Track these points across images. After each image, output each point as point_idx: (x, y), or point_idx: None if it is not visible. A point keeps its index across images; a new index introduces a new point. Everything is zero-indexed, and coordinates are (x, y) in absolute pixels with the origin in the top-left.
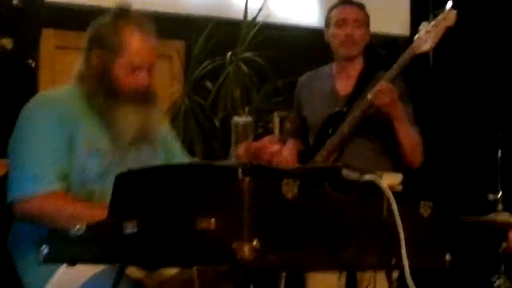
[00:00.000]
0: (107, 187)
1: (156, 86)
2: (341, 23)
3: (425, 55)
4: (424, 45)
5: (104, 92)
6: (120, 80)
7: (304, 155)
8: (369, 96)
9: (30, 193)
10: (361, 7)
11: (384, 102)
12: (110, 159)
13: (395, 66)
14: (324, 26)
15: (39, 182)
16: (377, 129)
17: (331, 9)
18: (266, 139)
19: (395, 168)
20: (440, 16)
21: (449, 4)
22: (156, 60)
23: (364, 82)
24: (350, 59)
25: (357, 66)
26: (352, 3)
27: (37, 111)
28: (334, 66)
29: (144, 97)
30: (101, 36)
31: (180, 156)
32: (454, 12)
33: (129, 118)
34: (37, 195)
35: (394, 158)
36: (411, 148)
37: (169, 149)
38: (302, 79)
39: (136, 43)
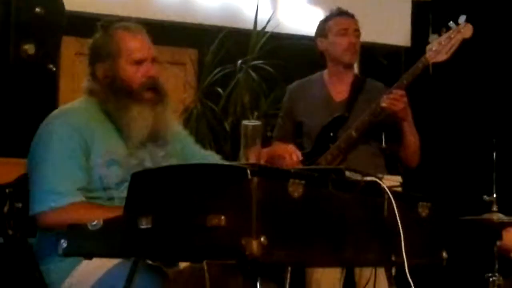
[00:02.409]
0: (125, 193)
1: (165, 85)
2: (344, 32)
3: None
4: (438, 55)
5: (115, 96)
6: (129, 78)
7: (305, 157)
8: (383, 104)
9: (51, 207)
10: (355, 18)
11: (398, 108)
12: (128, 165)
13: (407, 74)
14: (319, 35)
15: (59, 196)
16: (378, 133)
17: (328, 19)
18: (281, 147)
19: (389, 170)
20: (455, 29)
21: (462, 18)
22: (155, 52)
23: (357, 89)
24: (349, 66)
25: (351, 74)
26: (349, 14)
27: (53, 126)
28: (325, 74)
29: (155, 94)
30: (97, 50)
31: (197, 151)
32: (470, 25)
33: (141, 118)
34: (58, 209)
35: (388, 161)
36: (414, 149)
37: (185, 146)
38: (293, 87)
39: (129, 41)
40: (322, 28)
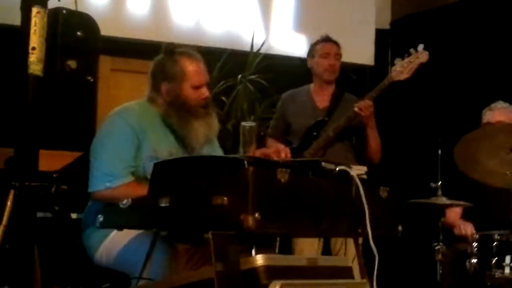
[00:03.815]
0: None
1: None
2: (326, 55)
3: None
4: (401, 75)
5: (177, 111)
6: (189, 99)
7: (292, 152)
8: (356, 109)
9: (107, 187)
10: (338, 44)
11: (366, 114)
12: None
13: (375, 89)
14: (308, 55)
15: (114, 178)
16: (350, 134)
17: (317, 43)
18: (277, 147)
19: (359, 162)
20: (414, 55)
21: (421, 46)
22: (208, 78)
23: (336, 100)
24: (329, 82)
25: (331, 88)
26: (333, 41)
27: (116, 120)
28: (311, 86)
29: (207, 109)
30: (164, 70)
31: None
32: (427, 52)
33: (199, 129)
34: (112, 188)
35: (358, 156)
36: (376, 149)
37: (213, 151)
38: (286, 95)
39: (192, 68)
40: (311, 50)
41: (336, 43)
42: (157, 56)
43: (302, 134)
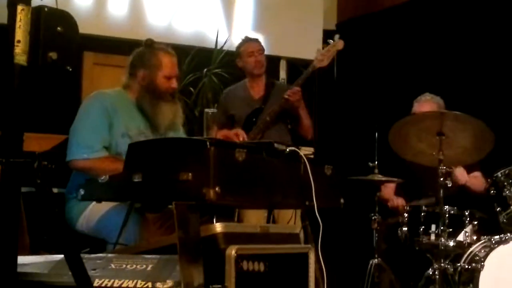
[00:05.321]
0: None
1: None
2: (251, 54)
3: (331, 72)
4: (322, 62)
5: (150, 95)
6: (161, 86)
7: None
8: (286, 95)
9: (84, 157)
10: (258, 41)
11: (295, 99)
12: (136, 140)
13: (301, 77)
14: (237, 57)
15: (91, 150)
16: (285, 118)
17: (241, 45)
18: (236, 131)
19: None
20: (332, 44)
21: (337, 36)
22: (178, 72)
23: (269, 89)
24: (259, 76)
25: (262, 79)
26: (254, 39)
27: (91, 101)
28: (246, 81)
29: (173, 97)
30: (142, 59)
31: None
32: (342, 41)
33: (167, 112)
34: (88, 159)
35: (294, 138)
36: (307, 126)
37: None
38: (227, 91)
39: (168, 61)
40: (238, 52)
41: (256, 40)
42: (136, 49)
43: (242, 122)
